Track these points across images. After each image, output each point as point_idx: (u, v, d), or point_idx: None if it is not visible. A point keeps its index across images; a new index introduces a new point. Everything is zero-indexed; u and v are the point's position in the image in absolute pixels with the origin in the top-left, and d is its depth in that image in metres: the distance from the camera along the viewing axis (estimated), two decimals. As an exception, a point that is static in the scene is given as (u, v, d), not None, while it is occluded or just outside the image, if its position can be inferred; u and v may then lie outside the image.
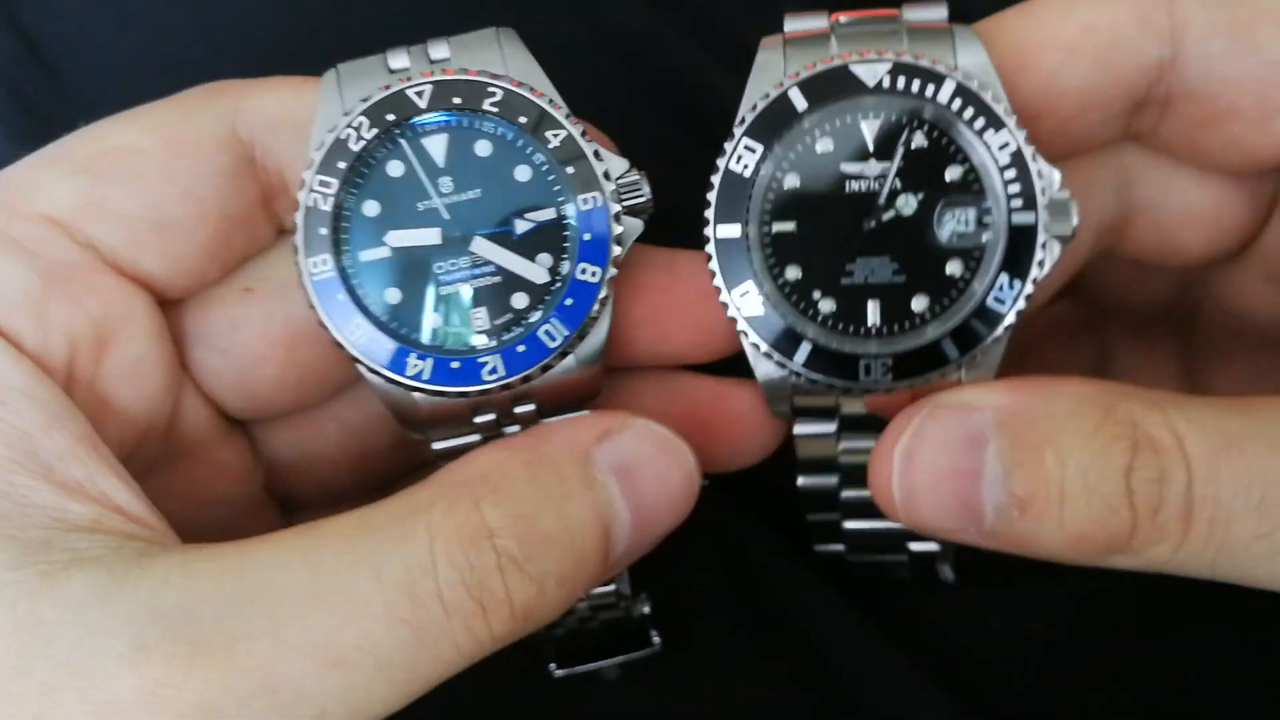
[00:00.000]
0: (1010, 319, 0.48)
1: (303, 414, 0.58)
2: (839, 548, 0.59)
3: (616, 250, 0.50)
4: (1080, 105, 0.50)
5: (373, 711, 0.42)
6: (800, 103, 0.49)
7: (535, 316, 0.50)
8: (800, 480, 0.56)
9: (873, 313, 0.50)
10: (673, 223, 0.65)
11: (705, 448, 0.53)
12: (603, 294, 0.50)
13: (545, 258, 0.51)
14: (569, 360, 0.51)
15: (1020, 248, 0.48)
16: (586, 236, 0.50)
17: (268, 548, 0.43)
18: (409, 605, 0.41)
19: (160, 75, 0.74)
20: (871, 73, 0.49)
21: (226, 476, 0.57)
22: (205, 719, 0.39)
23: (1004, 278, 0.48)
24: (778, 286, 0.50)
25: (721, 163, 0.50)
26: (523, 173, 0.51)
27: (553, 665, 0.64)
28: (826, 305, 0.50)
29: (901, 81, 0.48)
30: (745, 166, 0.50)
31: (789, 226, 0.50)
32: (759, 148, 0.50)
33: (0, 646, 0.40)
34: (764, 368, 0.51)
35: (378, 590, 0.41)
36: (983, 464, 0.45)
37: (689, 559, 0.66)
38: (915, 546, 0.58)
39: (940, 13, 0.51)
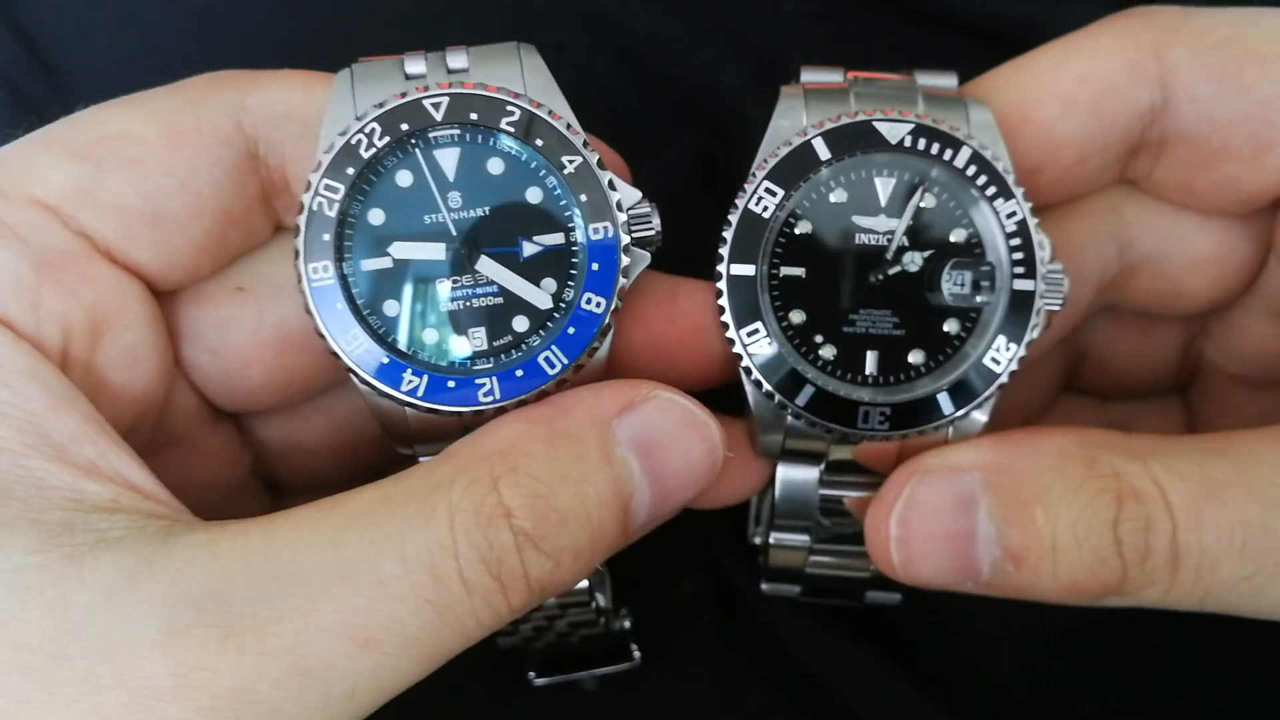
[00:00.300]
0: (1004, 379, 0.50)
1: (290, 413, 0.58)
2: (794, 589, 0.60)
3: (623, 282, 0.49)
4: (1079, 154, 0.52)
5: (399, 685, 0.43)
6: (824, 152, 0.51)
7: (535, 341, 0.49)
8: (774, 536, 0.57)
9: (871, 362, 0.51)
10: (672, 221, 0.65)
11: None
12: (605, 325, 0.49)
13: (550, 283, 0.50)
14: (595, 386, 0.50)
15: (1019, 313, 0.50)
16: (595, 266, 0.49)
17: (293, 526, 0.43)
18: (433, 585, 0.42)
19: (160, 75, 0.73)
20: (894, 131, 0.51)
21: (214, 462, 0.56)
22: (240, 701, 0.40)
23: (1001, 340, 0.50)
24: (781, 329, 0.51)
25: (740, 202, 0.51)
26: (534, 195, 0.50)
27: (532, 674, 0.64)
28: (827, 351, 0.51)
29: (922, 143, 0.50)
30: (765, 209, 0.51)
31: (798, 271, 0.51)
32: (779, 192, 0.50)
33: (33, 632, 0.40)
34: (762, 406, 0.52)
35: (403, 571, 0.41)
36: (975, 524, 0.47)
37: (674, 571, 0.67)
38: (874, 596, 0.59)
39: (951, 81, 0.54)
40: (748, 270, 0.51)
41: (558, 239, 0.50)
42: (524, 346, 0.49)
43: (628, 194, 0.50)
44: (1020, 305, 0.50)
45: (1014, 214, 0.50)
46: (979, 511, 0.47)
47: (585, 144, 0.50)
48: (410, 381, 0.48)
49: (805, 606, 0.63)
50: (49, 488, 0.42)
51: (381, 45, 0.72)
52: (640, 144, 0.69)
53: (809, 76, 0.54)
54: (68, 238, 0.47)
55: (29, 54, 0.72)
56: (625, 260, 0.50)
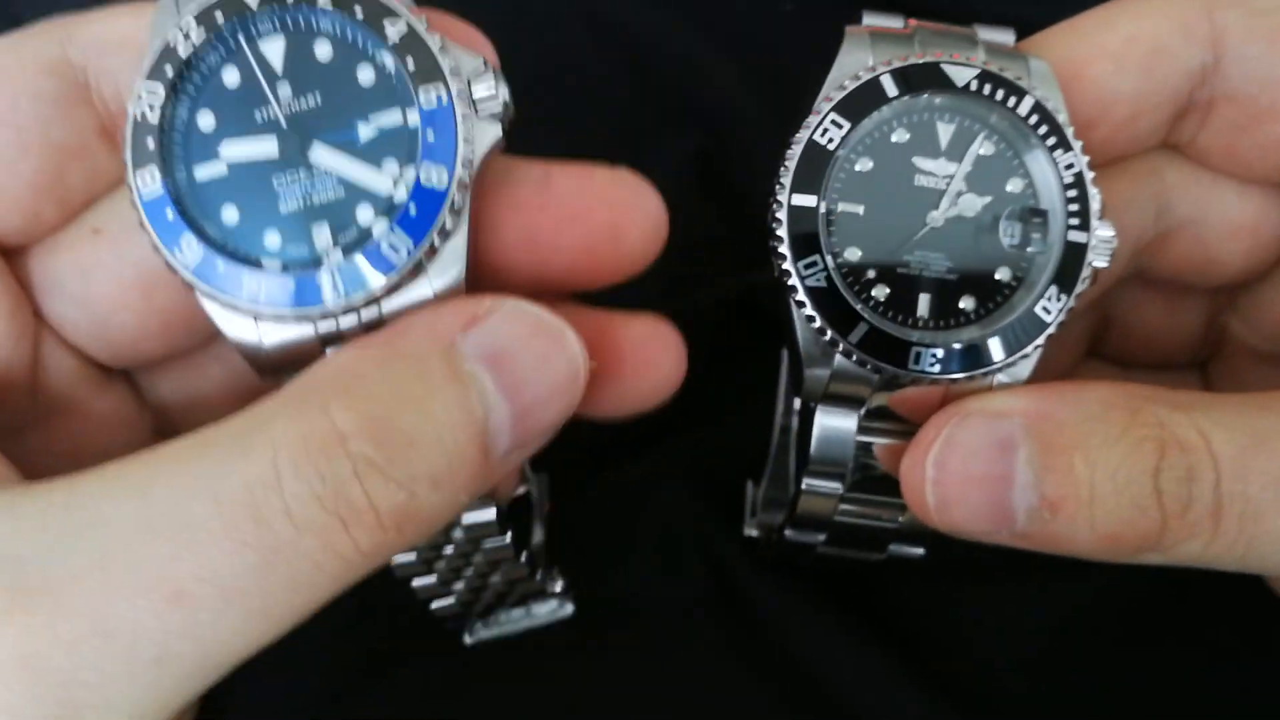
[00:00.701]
0: (1053, 329, 0.50)
1: (184, 367, 0.55)
2: (820, 537, 0.59)
3: (466, 150, 0.45)
4: (1131, 111, 0.52)
5: (232, 647, 0.39)
6: (891, 89, 0.50)
7: (379, 229, 0.45)
8: (806, 482, 0.56)
9: (923, 305, 0.51)
10: (671, 220, 0.64)
11: (598, 387, 0.51)
12: (453, 201, 0.45)
13: (392, 165, 0.46)
14: (424, 287, 0.46)
15: (1071, 263, 0.51)
16: (430, 136, 0.45)
17: (97, 479, 0.40)
18: (252, 526, 0.38)
19: None
20: (961, 75, 0.50)
21: (109, 427, 0.53)
22: (28, 669, 0.37)
23: (1053, 289, 0.50)
24: (837, 265, 0.50)
25: (804, 134, 0.50)
26: (365, 74, 0.46)
27: (465, 636, 0.62)
28: (879, 291, 0.51)
29: (988, 88, 0.50)
30: (830, 140, 0.50)
31: (857, 208, 0.51)
32: (846, 124, 0.50)
33: None
34: (811, 342, 0.51)
35: (215, 513, 0.38)
36: (1013, 469, 0.45)
37: (666, 564, 0.65)
38: (897, 549, 0.59)
39: (1009, 37, 0.54)
40: (809, 201, 0.50)
41: (394, 117, 0.46)
42: (371, 238, 0.45)
43: (465, 61, 0.46)
44: (1073, 256, 0.50)
45: (1072, 165, 0.51)
46: (1018, 456, 0.45)
47: (410, 5, 0.46)
48: (251, 287, 0.45)
49: (807, 600, 0.63)
50: None
51: None
52: (640, 144, 0.70)
53: (871, 20, 0.54)
54: None
55: None
56: (466, 129, 0.45)
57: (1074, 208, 0.50)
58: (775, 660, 0.62)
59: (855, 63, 0.51)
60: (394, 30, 0.46)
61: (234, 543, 0.38)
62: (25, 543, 0.38)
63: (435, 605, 0.59)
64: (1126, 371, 0.65)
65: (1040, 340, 0.50)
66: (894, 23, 0.54)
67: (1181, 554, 0.45)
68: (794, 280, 0.49)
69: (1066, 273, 0.50)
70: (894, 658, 0.61)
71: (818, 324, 0.49)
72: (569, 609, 0.62)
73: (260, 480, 0.38)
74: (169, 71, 0.45)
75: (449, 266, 0.46)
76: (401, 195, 0.45)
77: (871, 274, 0.50)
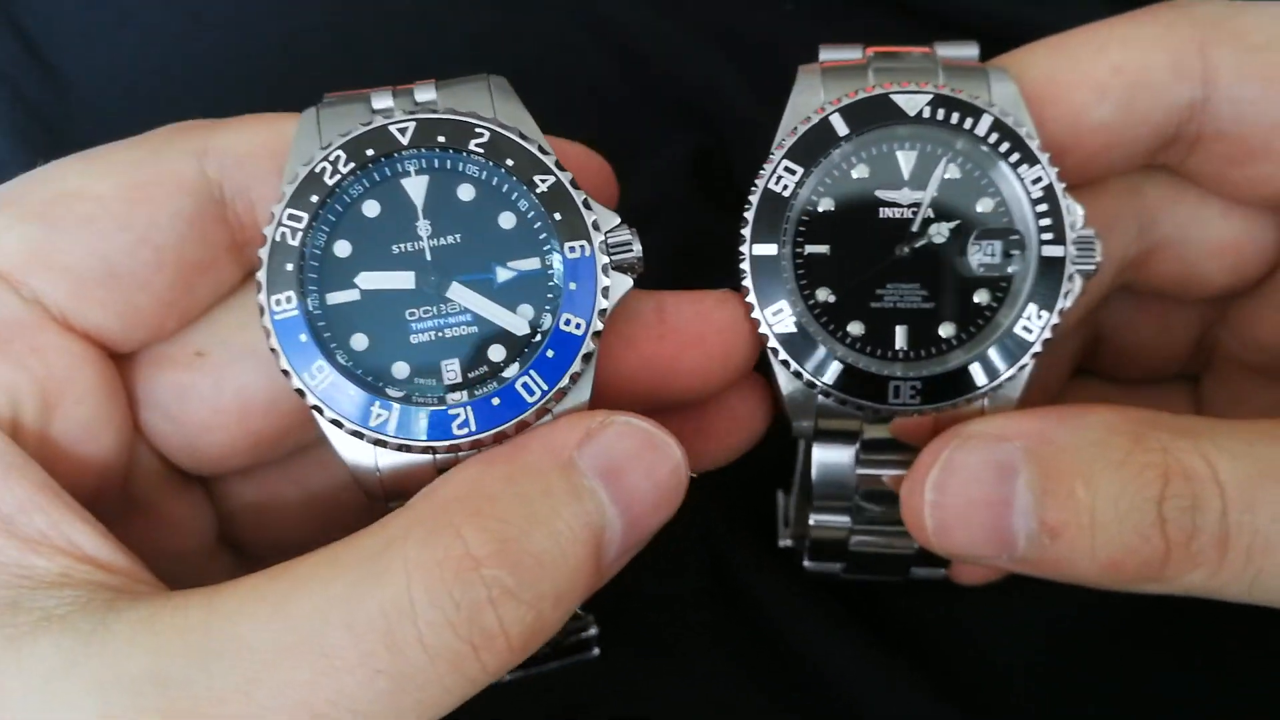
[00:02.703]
0: (1038, 347, 0.49)
1: (261, 476, 0.56)
2: (837, 566, 0.60)
3: (603, 303, 0.47)
4: (1107, 141, 0.51)
5: None
6: (841, 128, 0.50)
7: (512, 370, 0.47)
8: (814, 519, 0.57)
9: (900, 337, 0.51)
10: (671, 220, 0.65)
11: (697, 443, 0.53)
12: (587, 349, 0.47)
13: (527, 309, 0.47)
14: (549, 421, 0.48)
15: (1049, 280, 0.49)
16: (572, 286, 0.47)
17: (235, 597, 0.40)
18: (386, 654, 0.39)
19: (159, 75, 0.75)
20: (912, 103, 0.50)
21: (180, 530, 0.54)
22: None
23: (1032, 308, 0.49)
24: (808, 307, 0.51)
25: (760, 183, 0.51)
26: (507, 219, 0.48)
27: None
28: (855, 328, 0.51)
29: (941, 113, 0.50)
30: (785, 187, 0.50)
31: (822, 249, 0.51)
32: (799, 170, 0.50)
33: None
34: (792, 387, 0.52)
35: (351, 641, 0.38)
36: (1013, 493, 0.45)
37: (675, 565, 0.66)
38: (919, 572, 0.59)
39: (972, 50, 0.53)
40: (770, 250, 0.50)
41: (533, 263, 0.48)
42: (500, 376, 0.47)
43: (605, 216, 0.48)
44: (1050, 271, 0.50)
45: (1039, 179, 0.50)
46: (1017, 481, 0.45)
47: (558, 164, 0.48)
48: (379, 415, 0.46)
49: (809, 603, 0.63)
50: None
51: (381, 44, 0.73)
52: (639, 143, 0.72)
53: (827, 55, 0.54)
54: (19, 306, 0.46)
55: (29, 54, 0.72)
56: (605, 280, 0.47)
57: (1046, 222, 0.49)
58: (777, 660, 0.63)
59: (806, 104, 0.52)
60: (543, 184, 0.48)
61: (368, 670, 0.38)
62: (169, 662, 0.39)
63: None
64: (1118, 387, 0.63)
65: (1025, 360, 0.49)
66: (850, 54, 0.54)
67: (1186, 585, 0.44)
68: (764, 328, 0.50)
69: (1045, 289, 0.49)
70: (897, 658, 0.62)
71: (793, 368, 0.50)
72: (595, 652, 0.63)
73: (395, 606, 0.39)
74: (313, 200, 0.47)
75: (573, 403, 0.48)
76: (538, 340, 0.47)
77: (846, 313, 0.51)
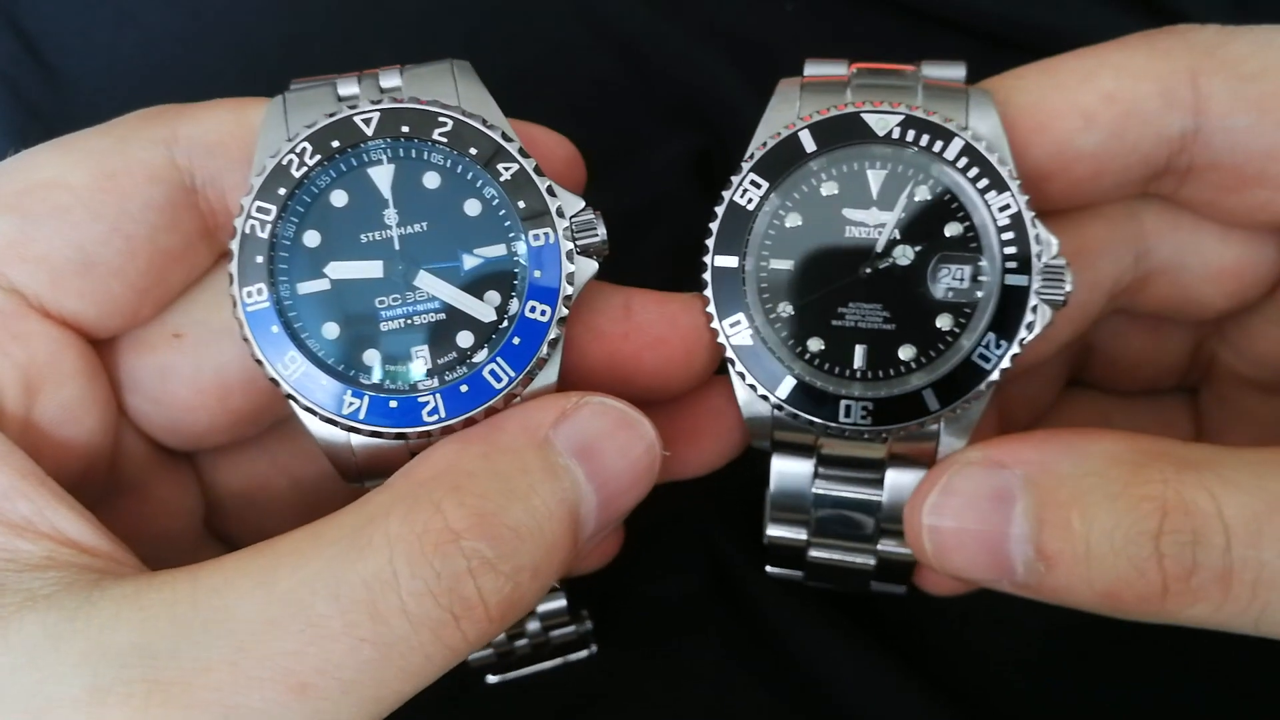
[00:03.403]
0: (994, 376, 0.49)
1: (248, 464, 0.57)
2: (798, 574, 0.60)
3: (568, 290, 0.48)
4: (1094, 170, 0.51)
5: None
6: (809, 144, 0.50)
7: (480, 356, 0.48)
8: (770, 530, 0.57)
9: (859, 357, 0.51)
10: (670, 219, 0.65)
11: (680, 451, 0.55)
12: (552, 335, 0.48)
13: (493, 295, 0.49)
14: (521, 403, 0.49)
15: (1010, 308, 0.49)
16: (537, 274, 0.48)
17: (222, 572, 0.41)
18: (370, 623, 0.40)
19: (159, 75, 0.74)
20: (882, 123, 0.50)
21: (168, 510, 0.55)
22: None
23: (991, 336, 0.49)
24: (769, 320, 0.51)
25: (726, 195, 0.51)
26: (472, 207, 0.49)
27: (489, 676, 0.64)
28: (815, 344, 0.51)
29: (911, 134, 0.49)
30: (750, 200, 0.51)
31: (786, 265, 0.51)
32: (764, 184, 0.51)
33: None
34: (747, 398, 0.52)
35: (336, 610, 0.40)
36: (1010, 521, 0.45)
37: (671, 566, 0.67)
38: (879, 586, 0.59)
39: (959, 72, 0.53)
40: (731, 262, 0.51)
41: (499, 250, 0.49)
42: (469, 362, 0.48)
43: (569, 201, 0.49)
44: (1012, 301, 0.49)
45: (1007, 207, 0.49)
46: (1015, 508, 0.45)
47: (522, 150, 0.49)
48: (350, 404, 0.47)
49: (806, 603, 0.63)
50: None
51: (381, 44, 0.74)
52: (639, 143, 0.71)
53: (812, 69, 0.54)
54: None
55: (29, 54, 0.73)
56: (570, 267, 0.48)
57: (1011, 250, 0.49)
58: (772, 660, 0.64)
59: (780, 117, 0.52)
60: (506, 171, 0.49)
61: (353, 639, 0.39)
62: (155, 634, 0.39)
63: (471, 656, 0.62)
64: (1115, 399, 0.62)
65: (980, 389, 0.49)
66: (835, 69, 0.53)
67: (1189, 617, 0.44)
68: (721, 339, 0.51)
69: (1006, 318, 0.49)
70: (893, 658, 0.62)
71: (748, 380, 0.50)
72: (593, 648, 0.65)
73: (378, 577, 0.40)
74: (281, 192, 0.48)
75: (539, 388, 0.49)
76: (505, 326, 0.48)
77: (806, 329, 0.51)
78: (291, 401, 0.48)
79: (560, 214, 0.49)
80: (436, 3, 0.74)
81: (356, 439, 0.49)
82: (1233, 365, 0.59)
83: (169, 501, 0.55)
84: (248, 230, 0.48)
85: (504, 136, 0.49)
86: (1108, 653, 0.62)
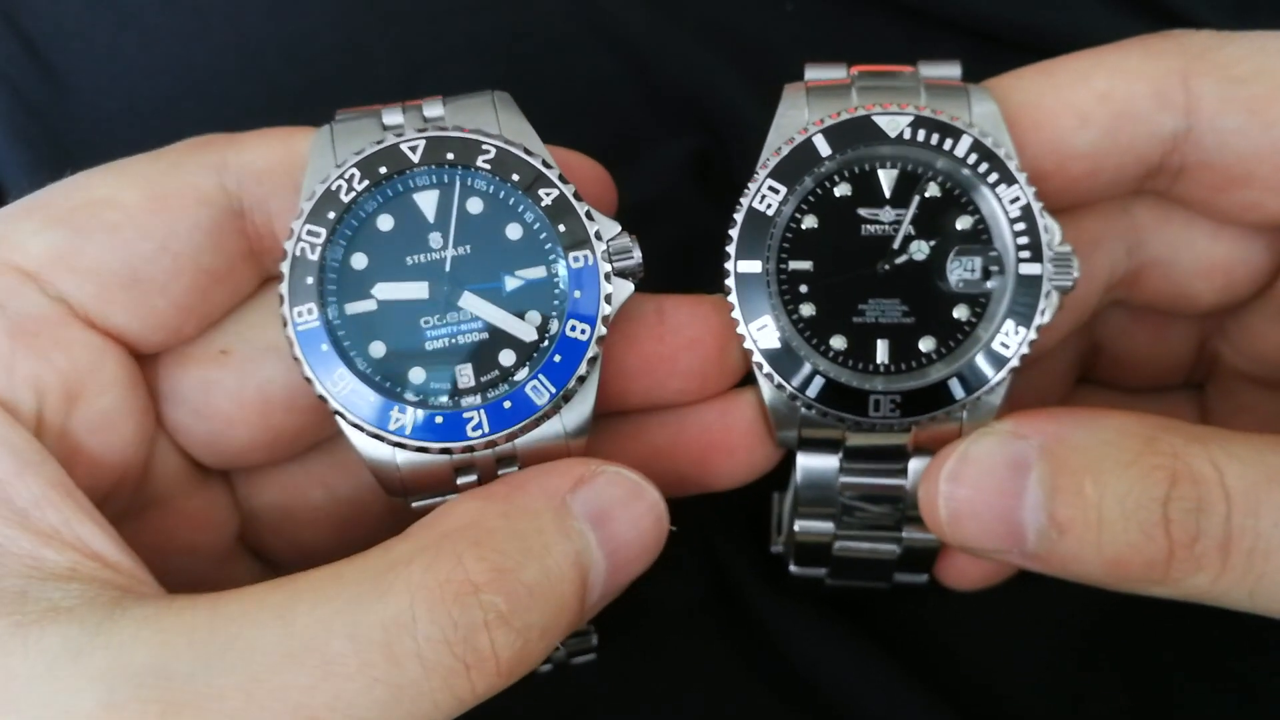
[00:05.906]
0: (1015, 362, 0.51)
1: (286, 478, 0.58)
2: (821, 571, 0.61)
3: (606, 309, 0.50)
4: (1089, 168, 0.52)
5: None
6: (824, 149, 0.52)
7: (522, 374, 0.50)
8: (799, 524, 0.58)
9: (881, 351, 0.52)
10: (671, 219, 0.66)
11: (709, 467, 0.56)
12: (592, 353, 0.50)
13: (534, 315, 0.51)
14: (556, 427, 0.51)
15: (1026, 296, 0.51)
16: (577, 294, 0.50)
17: (241, 602, 0.42)
18: (385, 665, 0.41)
19: (159, 75, 0.74)
20: (893, 124, 0.51)
21: (197, 526, 0.56)
22: None
23: (1009, 324, 0.51)
24: (792, 321, 0.52)
25: (745, 201, 0.52)
26: (514, 230, 0.51)
27: None
28: (838, 342, 0.52)
29: (921, 134, 0.51)
30: (769, 206, 0.52)
31: (805, 265, 0.52)
32: (782, 189, 0.52)
33: None
34: (776, 399, 0.53)
35: (353, 649, 0.40)
36: (1025, 488, 0.47)
37: (674, 570, 0.67)
38: (902, 577, 0.60)
39: (954, 70, 0.54)
40: (754, 267, 0.52)
41: (539, 272, 0.51)
42: (511, 380, 0.50)
43: (606, 225, 0.51)
44: (1027, 288, 0.51)
45: (1017, 199, 0.51)
46: (1030, 476, 0.46)
47: (561, 177, 0.51)
48: (397, 420, 0.49)
49: (807, 607, 0.64)
50: (8, 554, 0.43)
51: (382, 45, 0.73)
52: (640, 143, 0.72)
53: (812, 74, 0.55)
54: (44, 303, 0.48)
55: (29, 54, 0.73)
56: (608, 287, 0.50)
57: (1023, 240, 0.51)
58: (774, 664, 0.64)
59: (791, 123, 0.53)
60: (547, 196, 0.51)
61: (367, 679, 0.40)
62: (173, 657, 0.40)
63: None
64: (1123, 395, 0.64)
65: (1003, 375, 0.51)
66: (835, 73, 0.55)
67: (1189, 588, 0.45)
68: (749, 343, 0.52)
69: (1023, 306, 0.51)
70: (894, 661, 0.63)
71: (776, 381, 0.52)
72: (593, 641, 0.65)
73: (396, 621, 0.41)
74: (330, 216, 0.49)
75: (579, 405, 0.51)
76: (545, 345, 0.50)
77: (828, 328, 0.52)
78: (339, 418, 0.49)
79: (598, 237, 0.50)
80: (438, 3, 0.74)
81: (401, 454, 0.50)
82: (1234, 362, 0.61)
83: (199, 517, 0.56)
84: (298, 253, 0.49)
85: (544, 163, 0.51)
86: (1109, 655, 0.63)
